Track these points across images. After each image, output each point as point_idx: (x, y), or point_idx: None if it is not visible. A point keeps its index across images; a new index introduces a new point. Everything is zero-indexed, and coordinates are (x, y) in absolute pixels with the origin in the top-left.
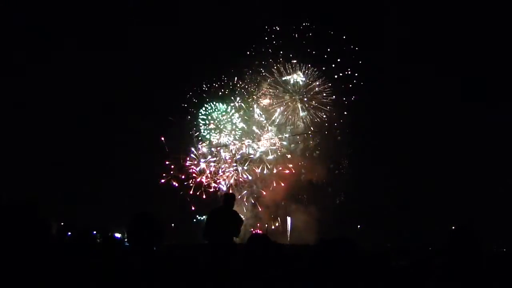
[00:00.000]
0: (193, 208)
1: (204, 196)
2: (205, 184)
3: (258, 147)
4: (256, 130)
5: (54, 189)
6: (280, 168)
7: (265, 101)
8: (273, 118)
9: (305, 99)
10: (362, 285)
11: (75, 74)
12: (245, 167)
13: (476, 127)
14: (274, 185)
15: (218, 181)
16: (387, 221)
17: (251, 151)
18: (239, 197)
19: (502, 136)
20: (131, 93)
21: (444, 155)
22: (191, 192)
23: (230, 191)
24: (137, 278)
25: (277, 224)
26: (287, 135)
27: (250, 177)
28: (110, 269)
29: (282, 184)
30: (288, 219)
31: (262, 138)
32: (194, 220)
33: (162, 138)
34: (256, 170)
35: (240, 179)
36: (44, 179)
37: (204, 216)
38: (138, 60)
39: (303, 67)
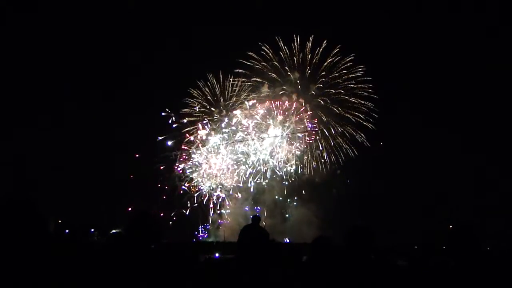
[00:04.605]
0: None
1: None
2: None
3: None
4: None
5: (52, 188)
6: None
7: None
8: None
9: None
10: (362, 284)
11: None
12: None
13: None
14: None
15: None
16: (386, 220)
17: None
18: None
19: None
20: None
21: (443, 154)
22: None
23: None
24: (135, 275)
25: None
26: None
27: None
28: (108, 266)
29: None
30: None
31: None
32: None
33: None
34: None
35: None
36: (43, 178)
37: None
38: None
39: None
